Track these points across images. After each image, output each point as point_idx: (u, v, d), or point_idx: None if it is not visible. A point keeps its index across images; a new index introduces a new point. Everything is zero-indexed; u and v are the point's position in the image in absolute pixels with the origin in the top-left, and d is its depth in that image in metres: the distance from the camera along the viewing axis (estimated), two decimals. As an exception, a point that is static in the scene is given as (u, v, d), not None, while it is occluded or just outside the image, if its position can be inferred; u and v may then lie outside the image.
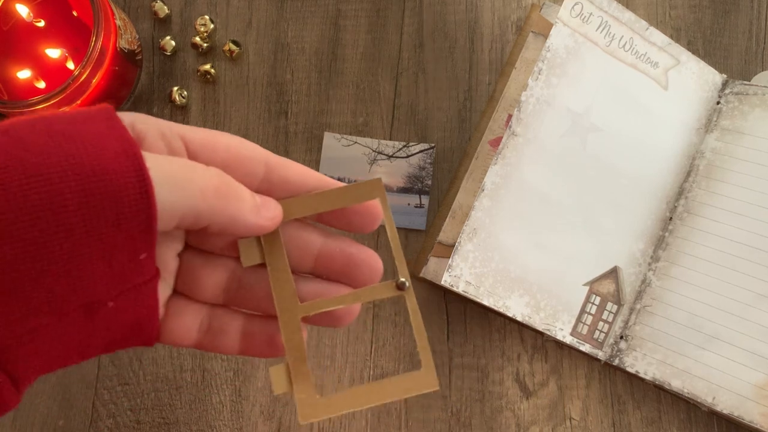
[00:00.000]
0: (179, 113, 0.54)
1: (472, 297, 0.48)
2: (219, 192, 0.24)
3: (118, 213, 0.22)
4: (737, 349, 0.48)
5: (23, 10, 0.48)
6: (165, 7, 0.54)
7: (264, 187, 0.27)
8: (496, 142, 0.51)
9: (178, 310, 0.28)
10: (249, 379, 0.52)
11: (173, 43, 0.54)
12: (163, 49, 0.54)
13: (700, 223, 0.50)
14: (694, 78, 0.52)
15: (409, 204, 0.52)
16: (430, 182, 0.52)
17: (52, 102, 0.45)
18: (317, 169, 0.54)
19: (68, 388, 0.52)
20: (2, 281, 0.21)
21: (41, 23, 0.48)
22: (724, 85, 0.52)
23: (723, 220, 0.50)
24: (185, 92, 0.53)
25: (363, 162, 0.52)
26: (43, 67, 0.48)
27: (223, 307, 0.29)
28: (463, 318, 0.52)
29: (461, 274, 0.48)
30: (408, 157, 0.52)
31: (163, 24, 0.55)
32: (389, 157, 0.52)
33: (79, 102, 0.47)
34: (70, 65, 0.49)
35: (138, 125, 0.25)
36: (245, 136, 0.54)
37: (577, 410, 0.52)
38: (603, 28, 0.51)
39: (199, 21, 0.54)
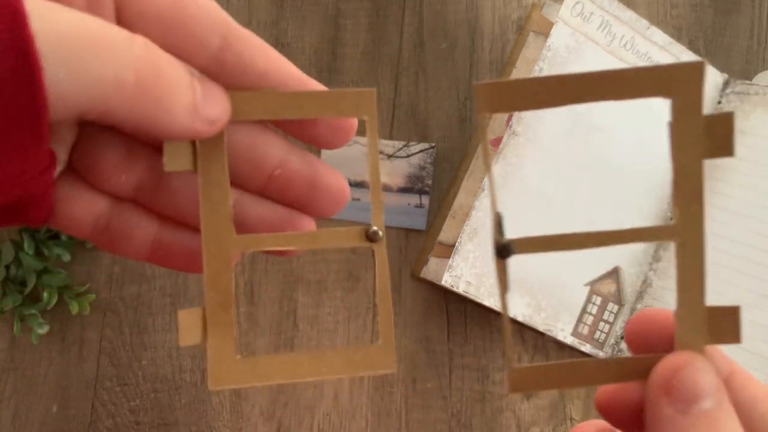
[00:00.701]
0: (178, 113, 0.54)
1: (472, 298, 0.48)
2: (142, 84, 0.17)
3: None
4: (740, 350, 0.48)
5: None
6: None
7: (213, 67, 0.20)
8: (496, 142, 0.51)
9: (68, 195, 0.21)
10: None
11: (172, 42, 0.53)
12: (162, 48, 0.54)
13: None
14: None
15: (409, 204, 0.52)
16: (430, 182, 0.52)
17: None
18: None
19: (67, 389, 0.52)
20: None
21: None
22: (726, 84, 0.52)
23: (724, 220, 0.50)
24: (184, 92, 0.53)
25: (363, 162, 0.52)
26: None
27: (133, 204, 0.22)
28: (463, 318, 0.52)
29: (462, 274, 0.48)
30: (408, 156, 0.52)
31: (162, 23, 0.55)
32: (389, 156, 0.52)
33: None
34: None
35: None
36: (245, 135, 0.54)
37: (578, 410, 0.52)
38: (604, 28, 0.50)
39: (199, 20, 0.53)
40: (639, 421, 0.20)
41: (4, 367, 0.52)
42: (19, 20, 0.15)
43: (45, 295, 0.50)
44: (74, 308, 0.51)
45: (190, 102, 0.18)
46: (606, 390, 0.21)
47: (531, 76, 0.49)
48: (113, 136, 0.21)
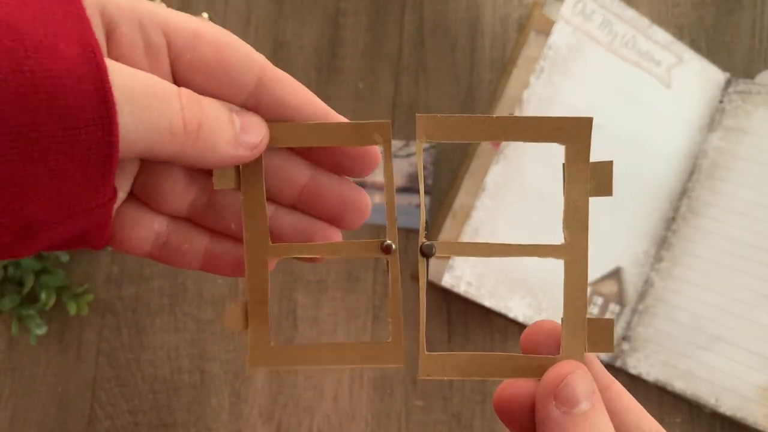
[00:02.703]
0: (177, 112, 0.54)
1: (473, 298, 0.48)
2: (189, 129, 0.21)
3: (71, 138, 0.18)
4: (741, 351, 0.48)
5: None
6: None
7: (251, 102, 0.23)
8: (497, 142, 0.50)
9: (132, 220, 0.24)
10: (248, 380, 0.52)
11: (171, 41, 0.53)
12: (161, 47, 0.53)
13: (704, 223, 0.50)
14: (697, 76, 0.51)
15: (409, 204, 0.52)
16: (430, 182, 0.52)
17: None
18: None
19: (66, 389, 0.51)
20: None
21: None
22: (728, 83, 0.51)
23: (726, 219, 0.49)
24: (183, 91, 0.53)
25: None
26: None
27: (187, 222, 0.25)
28: (463, 319, 0.52)
29: (462, 274, 0.48)
30: (408, 156, 0.52)
31: (161, 22, 0.54)
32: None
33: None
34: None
35: (109, 8, 0.20)
36: (244, 135, 0.53)
37: (579, 412, 0.51)
38: (605, 26, 0.50)
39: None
40: (530, 422, 0.23)
41: (2, 368, 0.52)
42: (102, 73, 0.18)
43: (43, 295, 0.50)
44: (72, 309, 0.50)
45: (231, 136, 0.22)
46: (502, 393, 0.25)
47: (532, 75, 0.49)
48: (170, 166, 0.24)
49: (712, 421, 0.51)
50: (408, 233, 0.53)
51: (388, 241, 0.26)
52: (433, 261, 0.50)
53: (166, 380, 0.52)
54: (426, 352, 0.25)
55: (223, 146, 0.22)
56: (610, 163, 0.26)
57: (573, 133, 0.26)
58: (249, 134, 0.23)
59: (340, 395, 0.51)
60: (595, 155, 0.51)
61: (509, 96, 0.51)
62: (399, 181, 0.52)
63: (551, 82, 0.49)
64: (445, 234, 0.50)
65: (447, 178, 0.53)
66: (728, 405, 0.48)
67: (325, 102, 0.56)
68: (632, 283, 0.50)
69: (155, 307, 0.52)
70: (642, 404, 0.54)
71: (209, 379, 0.51)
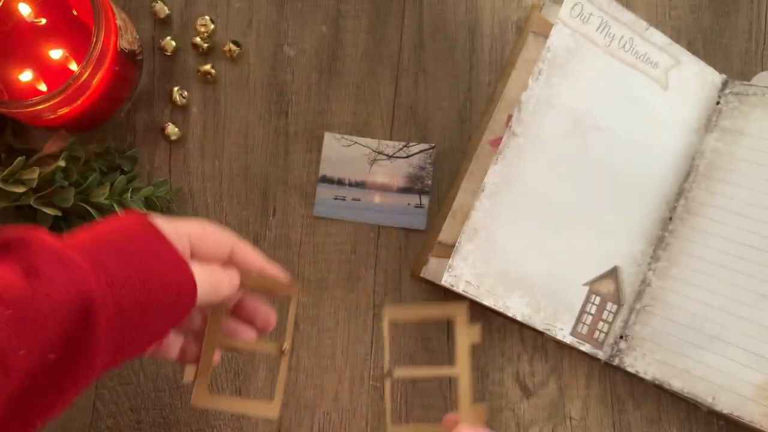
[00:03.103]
0: (179, 114, 0.54)
1: (472, 297, 0.48)
2: (220, 289, 0.37)
3: (178, 311, 0.35)
4: (738, 350, 0.48)
5: (25, 9, 0.48)
6: (165, 8, 0.54)
7: (228, 262, 0.39)
8: (496, 143, 0.51)
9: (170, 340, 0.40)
10: (249, 379, 0.52)
11: (174, 43, 0.54)
12: (163, 49, 0.54)
13: (701, 223, 0.50)
14: (694, 78, 0.52)
15: (409, 204, 0.52)
16: (430, 182, 0.52)
17: (53, 102, 0.45)
18: (317, 169, 0.54)
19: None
20: (125, 329, 0.32)
21: (42, 21, 0.48)
22: (724, 85, 0.52)
23: (723, 220, 0.50)
24: (185, 92, 0.53)
25: (363, 162, 0.52)
26: (44, 68, 0.49)
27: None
28: (463, 318, 0.53)
29: (461, 274, 0.48)
30: (408, 157, 0.52)
31: (163, 24, 0.55)
32: (389, 157, 0.53)
33: (79, 102, 0.47)
34: (71, 66, 0.49)
35: (168, 233, 0.35)
36: (246, 136, 0.54)
37: (578, 410, 0.52)
38: (603, 29, 0.51)
39: (200, 21, 0.54)
40: None
41: (6, 367, 0.52)
42: (193, 278, 0.35)
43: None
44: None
45: (231, 282, 0.38)
46: None
47: (530, 77, 0.49)
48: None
49: (709, 419, 0.51)
50: (408, 233, 0.53)
51: (285, 346, 0.41)
52: (432, 261, 0.50)
53: (168, 378, 0.52)
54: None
55: (227, 289, 0.38)
56: (478, 326, 0.39)
57: (458, 312, 0.39)
58: (234, 280, 0.38)
59: (340, 394, 0.52)
60: (596, 155, 0.52)
61: (508, 98, 0.52)
62: (399, 181, 0.53)
63: (550, 84, 0.50)
64: (445, 233, 0.50)
65: (446, 179, 0.53)
66: (725, 403, 0.48)
67: (326, 104, 0.57)
68: (629, 282, 0.50)
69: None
70: (639, 402, 0.54)
71: (212, 377, 0.52)
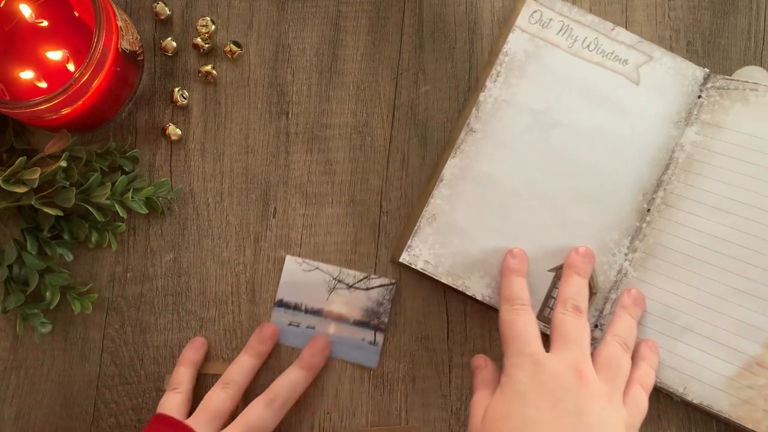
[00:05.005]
0: (180, 114, 0.54)
1: (431, 275, 0.50)
2: None
3: None
4: (711, 342, 0.49)
5: (26, 10, 0.48)
6: (166, 8, 0.54)
7: None
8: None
9: None
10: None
11: (174, 44, 0.54)
12: (164, 49, 0.54)
13: (678, 215, 0.50)
14: (671, 73, 0.52)
15: (363, 339, 0.51)
16: (386, 320, 0.51)
17: (54, 102, 0.45)
18: (317, 170, 0.54)
19: (70, 387, 0.52)
20: None
21: (44, 23, 0.48)
22: (706, 79, 0.52)
23: (701, 213, 0.50)
24: (186, 93, 0.54)
25: (322, 289, 0.52)
26: (45, 68, 0.49)
27: None
28: (463, 317, 0.53)
29: (420, 254, 0.50)
30: (368, 289, 0.52)
31: (164, 25, 0.55)
32: (349, 287, 0.52)
33: (80, 102, 0.48)
34: (72, 66, 0.49)
35: None
36: (246, 136, 0.54)
37: (577, 409, 0.52)
38: (564, 32, 0.52)
39: (201, 22, 0.54)
40: None
41: (7, 366, 0.52)
42: None
43: (48, 294, 0.51)
44: (77, 307, 0.51)
45: None
46: None
47: (488, 79, 0.51)
48: None
49: (709, 420, 0.51)
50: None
51: None
52: (393, 241, 0.52)
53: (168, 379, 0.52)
54: None
55: None
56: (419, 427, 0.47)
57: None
58: None
59: (340, 393, 0.52)
60: (558, 149, 0.53)
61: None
62: (356, 313, 0.52)
63: (508, 85, 0.51)
64: (406, 221, 0.51)
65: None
66: (696, 393, 0.49)
67: (326, 104, 0.58)
68: (602, 271, 0.51)
69: (159, 306, 0.53)
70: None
71: (212, 377, 0.52)
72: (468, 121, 0.51)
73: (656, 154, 0.51)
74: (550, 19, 0.51)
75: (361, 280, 0.52)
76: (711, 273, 0.49)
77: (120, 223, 0.53)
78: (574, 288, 0.48)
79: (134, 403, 0.52)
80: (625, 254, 0.51)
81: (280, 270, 0.53)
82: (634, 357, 0.48)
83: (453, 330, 0.53)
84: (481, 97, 0.51)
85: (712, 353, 0.49)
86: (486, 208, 0.51)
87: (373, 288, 0.52)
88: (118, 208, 0.50)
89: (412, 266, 0.50)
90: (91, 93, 0.48)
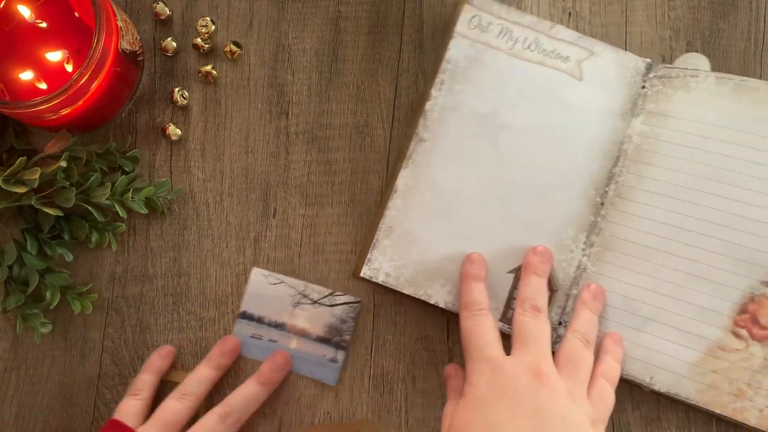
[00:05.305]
0: (180, 114, 0.54)
1: (392, 287, 0.50)
2: None
3: None
4: (672, 330, 0.49)
5: (25, 12, 0.48)
6: (166, 9, 0.54)
7: None
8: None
9: None
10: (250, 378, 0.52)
11: (174, 44, 0.54)
12: (164, 50, 0.54)
13: (632, 207, 0.50)
14: (613, 66, 0.52)
15: (324, 355, 0.51)
16: (348, 338, 0.51)
17: (54, 102, 0.45)
18: (318, 170, 0.54)
19: (70, 387, 0.52)
20: None
21: (43, 24, 0.49)
22: (648, 69, 0.52)
23: (654, 203, 0.50)
24: (186, 93, 0.54)
25: (287, 303, 0.52)
26: (45, 68, 0.49)
27: None
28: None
29: (380, 266, 0.50)
30: (332, 306, 0.52)
31: (164, 25, 0.55)
32: (314, 302, 0.52)
33: (80, 102, 0.48)
34: (72, 66, 0.49)
35: None
36: (246, 136, 0.54)
37: (577, 409, 0.52)
38: (504, 34, 0.52)
39: (201, 22, 0.54)
40: None
41: (8, 366, 0.52)
42: None
43: (48, 294, 0.51)
44: (77, 307, 0.51)
45: None
46: None
47: (433, 88, 0.51)
48: None
49: (708, 419, 0.51)
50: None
51: None
52: (355, 258, 0.52)
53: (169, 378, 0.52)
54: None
55: None
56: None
57: (367, 426, 0.46)
58: None
59: (340, 392, 0.52)
60: (507, 152, 0.53)
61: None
62: (319, 329, 0.52)
63: (452, 92, 0.51)
64: (366, 234, 0.51)
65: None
66: (663, 382, 0.49)
67: (326, 104, 0.58)
68: (561, 268, 0.51)
69: (159, 306, 0.53)
70: (639, 401, 0.54)
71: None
72: (417, 130, 0.51)
73: (605, 148, 0.51)
74: (489, 23, 0.52)
75: (326, 297, 0.52)
76: (667, 261, 0.50)
77: (120, 223, 0.53)
78: (533, 288, 0.48)
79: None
80: (583, 249, 0.51)
81: (280, 270, 0.53)
82: (599, 351, 0.49)
83: (453, 330, 0.53)
84: (428, 105, 0.51)
85: (674, 341, 0.49)
86: (441, 216, 0.51)
87: (337, 305, 0.52)
88: (118, 208, 0.50)
89: (373, 280, 0.50)
90: (91, 93, 0.48)
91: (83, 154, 0.50)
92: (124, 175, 0.52)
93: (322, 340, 0.51)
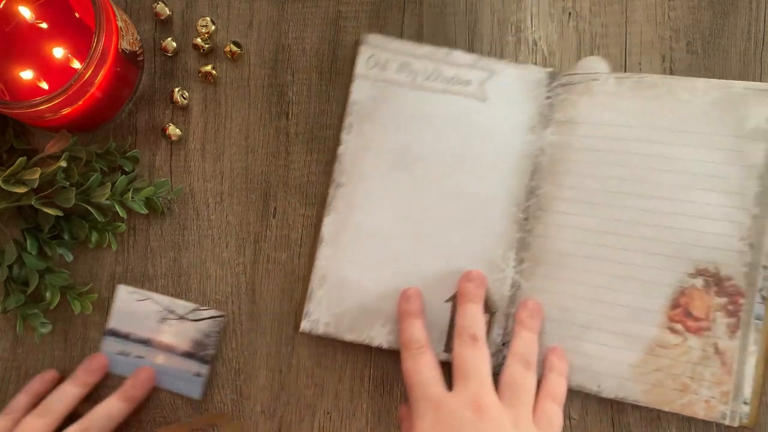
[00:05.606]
0: (180, 114, 0.54)
1: (333, 337, 0.50)
2: None
3: None
4: (611, 334, 0.49)
5: (26, 12, 0.48)
6: (166, 9, 0.54)
7: None
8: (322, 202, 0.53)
9: None
10: (250, 378, 0.52)
11: (174, 44, 0.54)
12: (164, 50, 0.54)
13: (554, 218, 0.51)
14: (515, 82, 0.52)
15: (189, 370, 0.51)
16: (212, 352, 0.51)
17: (54, 103, 0.45)
18: (318, 170, 0.54)
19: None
20: None
21: (43, 24, 0.49)
22: (551, 79, 0.52)
23: (574, 211, 0.50)
24: (186, 93, 0.54)
25: (153, 319, 0.52)
26: (46, 68, 0.49)
27: None
28: (462, 318, 0.53)
29: (319, 318, 0.50)
30: (197, 321, 0.52)
31: (164, 25, 0.55)
32: (179, 317, 0.52)
33: (81, 102, 0.48)
34: (73, 65, 0.49)
35: None
36: (247, 137, 0.54)
37: (577, 409, 0.52)
38: (403, 69, 0.52)
39: (201, 22, 0.54)
40: None
41: (7, 366, 0.52)
42: None
43: (48, 294, 0.51)
44: (77, 308, 0.51)
45: None
46: None
47: (342, 132, 0.52)
48: None
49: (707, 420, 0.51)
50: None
51: None
52: (295, 310, 0.52)
53: (169, 378, 0.52)
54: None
55: None
56: (240, 422, 0.50)
57: (220, 418, 0.48)
58: None
59: (341, 393, 0.52)
60: (424, 182, 0.52)
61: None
62: (184, 344, 0.52)
63: (362, 133, 0.52)
64: (302, 287, 0.51)
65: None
66: (609, 388, 0.49)
67: (326, 105, 0.57)
68: (496, 288, 0.51)
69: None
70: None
71: (212, 376, 0.52)
72: (333, 176, 0.51)
73: (520, 163, 0.51)
74: (387, 60, 0.52)
75: (191, 311, 0.52)
76: (596, 266, 0.50)
77: (120, 223, 0.53)
78: (468, 316, 0.48)
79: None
80: (514, 267, 0.51)
81: (281, 270, 0.53)
82: (543, 368, 0.49)
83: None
84: (340, 150, 0.52)
85: (614, 345, 0.49)
86: (371, 256, 0.51)
87: (202, 320, 0.52)
88: (118, 208, 0.50)
89: (314, 333, 0.50)
90: (91, 93, 0.48)
91: (83, 154, 0.50)
92: (124, 175, 0.52)
93: (188, 355, 0.51)
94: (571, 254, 0.50)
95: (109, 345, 0.52)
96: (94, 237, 0.52)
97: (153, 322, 0.52)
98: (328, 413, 0.52)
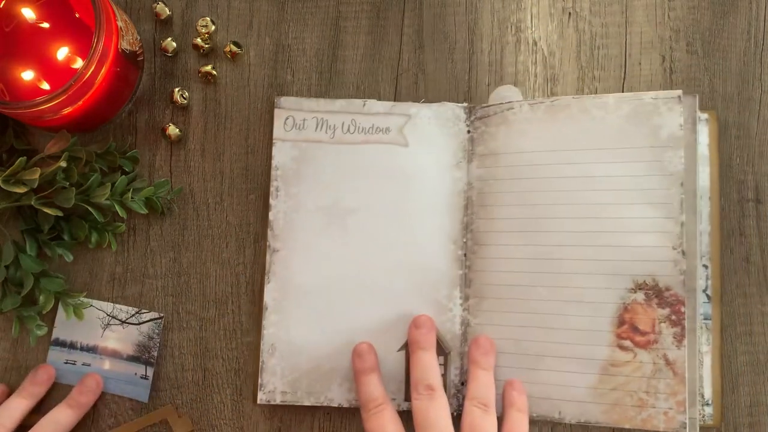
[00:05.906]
0: (180, 114, 0.54)
1: (291, 404, 0.50)
2: None
3: None
4: (564, 360, 0.49)
5: (26, 12, 0.48)
6: (166, 9, 0.54)
7: None
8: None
9: None
10: (250, 377, 0.52)
11: (174, 44, 0.54)
12: (164, 50, 0.54)
13: (491, 251, 0.51)
14: (432, 122, 0.52)
15: (135, 373, 0.51)
16: (156, 354, 0.52)
17: (54, 103, 0.45)
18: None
19: (70, 387, 0.52)
20: None
21: (44, 24, 0.49)
22: (468, 113, 0.52)
23: (509, 241, 0.50)
24: (186, 93, 0.54)
25: (97, 326, 0.52)
26: (46, 68, 0.49)
27: None
28: (462, 318, 0.53)
29: (275, 387, 0.50)
30: (139, 324, 0.52)
31: (164, 25, 0.55)
32: (122, 322, 0.52)
33: (81, 103, 0.48)
34: (73, 65, 0.49)
35: None
36: (246, 137, 0.54)
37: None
38: (321, 126, 0.52)
39: (201, 22, 0.54)
40: None
41: (7, 366, 0.52)
42: None
43: (41, 299, 0.51)
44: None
45: None
46: None
47: (270, 197, 0.52)
48: None
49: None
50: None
51: None
52: (251, 383, 0.52)
53: (169, 378, 0.52)
54: None
55: None
56: (186, 418, 0.50)
57: (167, 412, 0.48)
58: None
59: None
60: (360, 234, 0.52)
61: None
62: (129, 348, 0.52)
63: (290, 196, 0.52)
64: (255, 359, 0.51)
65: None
66: (571, 414, 0.49)
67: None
68: (447, 329, 0.51)
69: (159, 307, 0.53)
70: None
71: (212, 376, 0.52)
72: (268, 243, 0.51)
73: (451, 201, 0.52)
74: (304, 119, 0.52)
75: (133, 315, 0.52)
76: (538, 294, 0.49)
77: (120, 224, 0.53)
78: (421, 365, 0.48)
79: (133, 402, 0.52)
80: (461, 305, 0.51)
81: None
82: (503, 405, 0.49)
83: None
84: (271, 216, 0.52)
85: (570, 370, 0.49)
86: (317, 317, 0.51)
87: (144, 323, 0.52)
88: (117, 208, 0.50)
89: (272, 403, 0.50)
90: (92, 93, 0.48)
91: (83, 154, 0.50)
92: (124, 175, 0.52)
93: (133, 358, 0.52)
94: (512, 285, 0.50)
95: (55, 355, 0.52)
96: (94, 237, 0.52)
97: (97, 329, 0.52)
98: (328, 413, 0.52)
